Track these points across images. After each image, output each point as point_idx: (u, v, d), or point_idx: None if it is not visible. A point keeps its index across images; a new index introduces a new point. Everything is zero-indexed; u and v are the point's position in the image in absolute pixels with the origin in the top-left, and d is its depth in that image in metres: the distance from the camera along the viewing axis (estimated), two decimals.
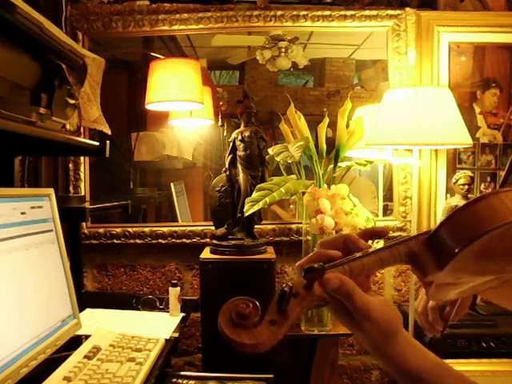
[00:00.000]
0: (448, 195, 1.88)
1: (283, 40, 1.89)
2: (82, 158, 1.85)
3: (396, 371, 0.51)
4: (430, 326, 0.78)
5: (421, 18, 1.85)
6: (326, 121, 1.60)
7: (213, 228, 1.72)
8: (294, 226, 1.87)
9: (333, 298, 0.49)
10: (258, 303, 0.46)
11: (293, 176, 1.64)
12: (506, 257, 0.46)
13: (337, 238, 0.54)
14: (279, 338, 0.46)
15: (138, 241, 1.88)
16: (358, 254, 0.50)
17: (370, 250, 0.50)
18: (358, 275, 0.49)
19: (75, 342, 0.98)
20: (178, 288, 1.26)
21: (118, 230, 1.87)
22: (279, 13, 1.85)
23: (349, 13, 1.85)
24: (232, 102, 1.90)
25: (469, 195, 1.77)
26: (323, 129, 1.59)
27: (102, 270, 1.92)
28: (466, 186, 1.77)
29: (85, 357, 0.88)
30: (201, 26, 1.85)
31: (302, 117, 1.62)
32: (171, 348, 1.05)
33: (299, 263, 0.51)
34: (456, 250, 0.43)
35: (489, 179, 1.94)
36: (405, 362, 0.50)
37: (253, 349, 0.45)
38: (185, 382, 0.96)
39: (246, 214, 1.43)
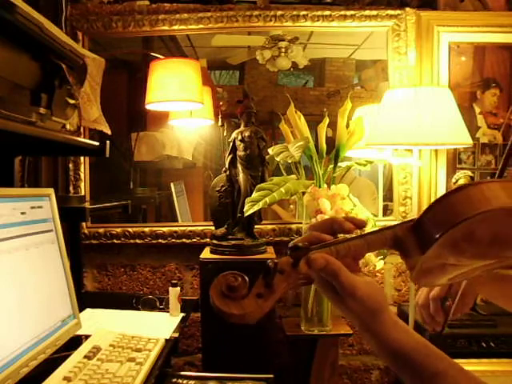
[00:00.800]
0: None
1: (283, 40, 1.89)
2: (82, 158, 1.85)
3: (383, 350, 0.52)
4: (431, 319, 0.78)
5: (421, 17, 1.85)
6: (326, 121, 1.60)
7: (213, 228, 1.72)
8: (293, 226, 1.87)
9: (320, 276, 0.51)
10: (246, 277, 0.50)
11: (293, 176, 1.64)
12: (494, 244, 0.47)
13: (325, 221, 0.57)
14: (265, 311, 0.49)
15: (138, 241, 1.88)
16: (345, 237, 0.52)
17: (357, 234, 0.52)
18: (344, 257, 0.51)
19: (75, 341, 0.98)
20: (178, 288, 1.26)
21: (118, 229, 1.87)
22: (279, 13, 1.85)
23: (349, 13, 1.85)
24: (232, 102, 1.90)
25: None
26: (323, 129, 1.59)
27: (102, 269, 1.92)
28: None
29: (85, 357, 0.88)
30: (201, 26, 1.85)
31: (302, 117, 1.62)
32: (171, 348, 1.05)
33: (290, 243, 0.53)
34: (436, 236, 0.46)
35: (489, 179, 1.94)
36: (391, 339, 0.51)
37: (240, 319, 0.48)
38: (185, 382, 0.96)
39: (246, 214, 1.43)
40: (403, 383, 0.53)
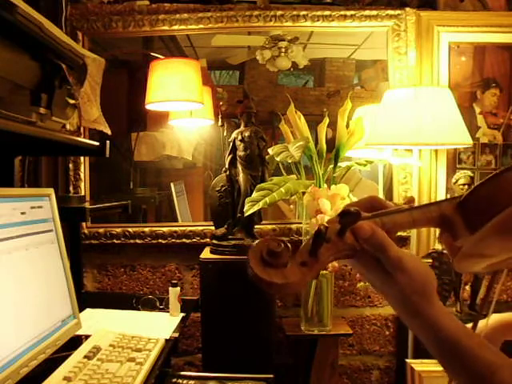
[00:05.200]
0: (448, 195, 1.88)
1: (283, 40, 1.89)
2: (81, 158, 1.85)
3: (428, 332, 0.47)
4: None
5: (421, 17, 1.85)
6: (326, 121, 1.60)
7: (213, 228, 1.72)
8: (294, 226, 1.87)
9: (363, 249, 0.47)
10: (289, 244, 0.45)
11: (293, 176, 1.64)
12: None
13: (364, 199, 0.53)
14: (308, 281, 0.45)
15: (138, 241, 1.88)
16: (391, 210, 0.49)
17: (403, 208, 0.49)
18: (388, 231, 0.48)
19: (75, 342, 0.98)
20: (178, 288, 1.26)
21: (118, 230, 1.87)
22: (279, 13, 1.85)
23: (349, 13, 1.85)
24: (232, 102, 1.90)
25: None
26: (323, 129, 1.59)
27: (101, 269, 1.92)
28: (466, 186, 1.77)
29: (85, 357, 0.88)
30: (201, 26, 1.85)
31: (302, 117, 1.62)
32: (171, 348, 1.05)
33: (343, 209, 0.49)
34: (489, 214, 0.43)
35: None
36: (443, 325, 0.46)
37: (281, 289, 0.44)
38: (185, 382, 0.96)
39: (246, 214, 1.43)
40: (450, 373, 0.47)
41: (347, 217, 0.45)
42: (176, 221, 1.93)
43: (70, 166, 1.86)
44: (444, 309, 0.48)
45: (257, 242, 0.46)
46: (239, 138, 1.58)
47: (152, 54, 1.82)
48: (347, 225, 0.46)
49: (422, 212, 0.48)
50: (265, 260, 0.44)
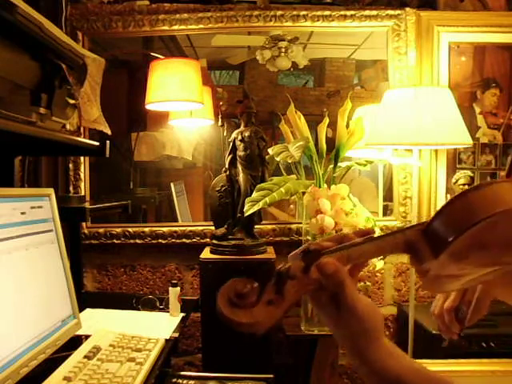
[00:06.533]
0: (448, 195, 1.88)
1: (283, 40, 1.89)
2: (81, 158, 1.85)
3: (373, 373, 0.49)
4: (447, 329, 0.78)
5: (421, 17, 1.85)
6: (326, 121, 1.60)
7: (213, 228, 1.72)
8: (293, 226, 1.87)
9: (322, 286, 0.48)
10: (255, 283, 0.47)
11: (293, 176, 1.64)
12: (499, 248, 0.46)
13: (335, 236, 0.54)
14: (276, 319, 0.47)
15: (138, 241, 1.88)
16: (357, 241, 0.50)
17: (368, 238, 0.50)
18: (355, 261, 0.49)
19: (75, 342, 0.98)
20: (178, 288, 1.26)
21: (118, 229, 1.87)
22: (279, 13, 1.85)
23: (349, 13, 1.85)
24: (232, 102, 1.90)
25: None
26: (323, 129, 1.59)
27: (101, 269, 1.92)
28: (466, 186, 1.77)
29: (85, 357, 0.88)
30: (201, 26, 1.85)
31: (302, 117, 1.62)
32: (171, 348, 1.05)
33: (292, 253, 0.51)
34: (450, 239, 0.44)
35: (489, 179, 1.94)
36: (386, 364, 0.48)
37: (250, 328, 0.46)
38: (185, 382, 0.96)
39: (246, 214, 1.43)
40: None
41: (309, 255, 0.47)
42: (176, 221, 1.93)
43: (70, 166, 1.86)
44: (391, 349, 0.49)
45: (224, 284, 0.48)
46: (239, 137, 1.58)
47: (152, 53, 1.82)
48: (310, 262, 0.47)
49: (387, 240, 0.49)
50: (232, 301, 0.46)
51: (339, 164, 1.63)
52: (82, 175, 1.86)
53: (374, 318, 0.49)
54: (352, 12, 1.85)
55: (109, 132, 1.64)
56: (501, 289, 0.70)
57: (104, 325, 1.15)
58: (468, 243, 0.44)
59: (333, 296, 0.48)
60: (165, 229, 1.88)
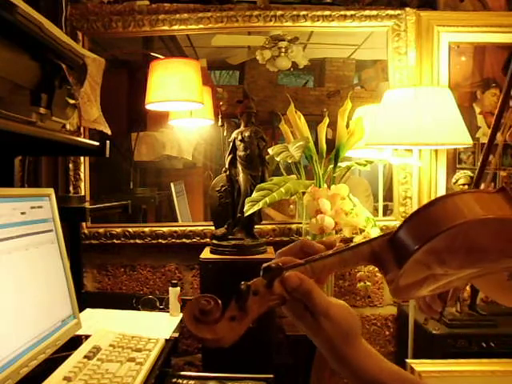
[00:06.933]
0: None
1: (283, 40, 1.89)
2: (82, 158, 1.85)
3: (353, 375, 0.49)
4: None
5: (421, 17, 1.85)
6: (326, 121, 1.60)
7: (213, 228, 1.72)
8: (293, 226, 1.87)
9: (292, 297, 0.49)
10: (219, 301, 0.49)
11: (293, 176, 1.64)
12: (471, 255, 0.47)
13: (294, 244, 0.55)
14: (239, 334, 0.48)
15: (138, 241, 1.88)
16: (320, 255, 0.51)
17: (333, 251, 0.51)
18: (319, 275, 0.50)
19: (75, 342, 0.98)
20: (178, 288, 1.26)
21: (118, 230, 1.87)
22: (279, 13, 1.85)
23: (349, 13, 1.85)
24: (232, 102, 1.90)
25: None
26: (323, 129, 1.59)
27: (101, 269, 1.92)
28: (466, 186, 1.77)
29: (85, 357, 0.88)
30: (201, 26, 1.85)
31: (302, 117, 1.62)
32: (171, 348, 1.05)
33: (263, 265, 0.51)
34: (412, 250, 0.45)
35: (489, 179, 1.94)
36: (366, 367, 0.49)
37: (214, 343, 0.47)
38: (185, 382, 0.96)
39: (246, 214, 1.43)
40: None
41: (270, 272, 0.48)
42: (176, 221, 1.93)
43: (70, 166, 1.86)
44: (369, 352, 0.50)
45: (190, 301, 0.50)
46: (239, 138, 1.58)
47: (152, 53, 1.82)
48: (272, 279, 0.48)
49: (352, 252, 0.50)
50: (197, 317, 0.48)
51: (339, 164, 1.63)
52: (82, 175, 1.86)
53: (349, 320, 0.50)
54: (352, 12, 1.85)
55: (109, 132, 1.64)
56: (493, 292, 0.70)
57: (104, 325, 1.14)
58: (429, 253, 0.46)
59: (306, 306, 0.49)
60: (165, 229, 1.88)
